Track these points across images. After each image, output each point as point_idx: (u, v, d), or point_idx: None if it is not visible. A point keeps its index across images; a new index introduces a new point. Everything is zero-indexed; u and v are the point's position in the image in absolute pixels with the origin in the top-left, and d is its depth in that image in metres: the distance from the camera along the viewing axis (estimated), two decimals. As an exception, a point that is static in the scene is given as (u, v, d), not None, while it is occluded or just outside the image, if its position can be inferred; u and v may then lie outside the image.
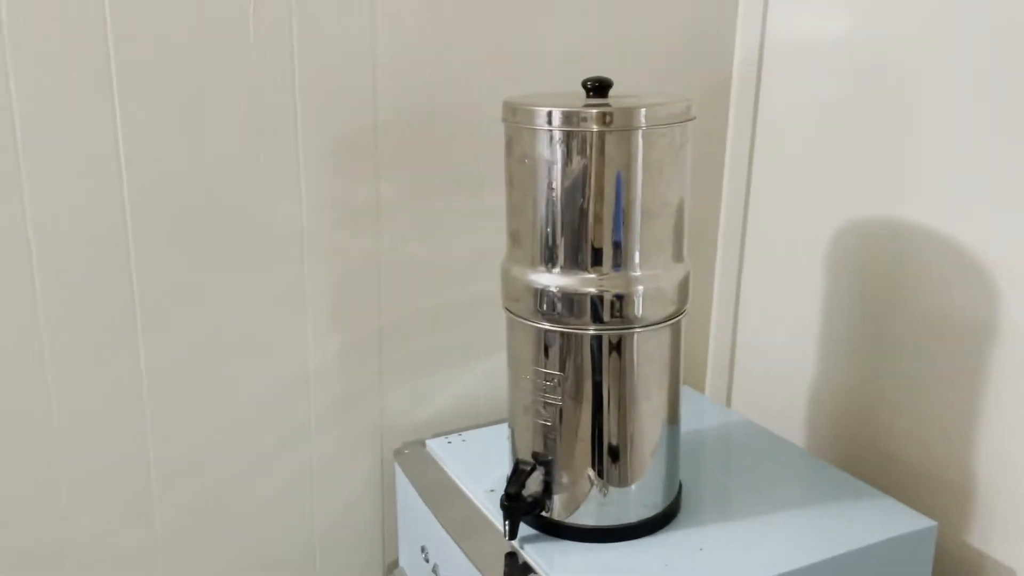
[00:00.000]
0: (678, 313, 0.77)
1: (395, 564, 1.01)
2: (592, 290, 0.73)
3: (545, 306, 0.75)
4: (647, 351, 0.76)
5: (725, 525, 0.81)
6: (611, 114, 0.70)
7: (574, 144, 0.71)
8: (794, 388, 1.07)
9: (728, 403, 1.18)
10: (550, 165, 0.72)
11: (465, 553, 0.78)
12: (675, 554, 0.76)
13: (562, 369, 0.76)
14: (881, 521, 0.80)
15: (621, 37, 1.01)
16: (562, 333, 0.75)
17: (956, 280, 0.87)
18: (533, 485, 0.78)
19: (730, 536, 0.79)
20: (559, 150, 0.72)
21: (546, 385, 0.76)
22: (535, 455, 0.78)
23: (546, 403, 0.77)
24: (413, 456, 0.96)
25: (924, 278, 0.90)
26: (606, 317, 0.74)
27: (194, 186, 0.86)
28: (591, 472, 0.77)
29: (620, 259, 0.73)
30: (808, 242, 1.02)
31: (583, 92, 0.75)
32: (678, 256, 0.77)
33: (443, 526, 0.83)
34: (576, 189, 0.72)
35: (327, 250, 0.92)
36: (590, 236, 0.73)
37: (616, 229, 0.73)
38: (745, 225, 1.12)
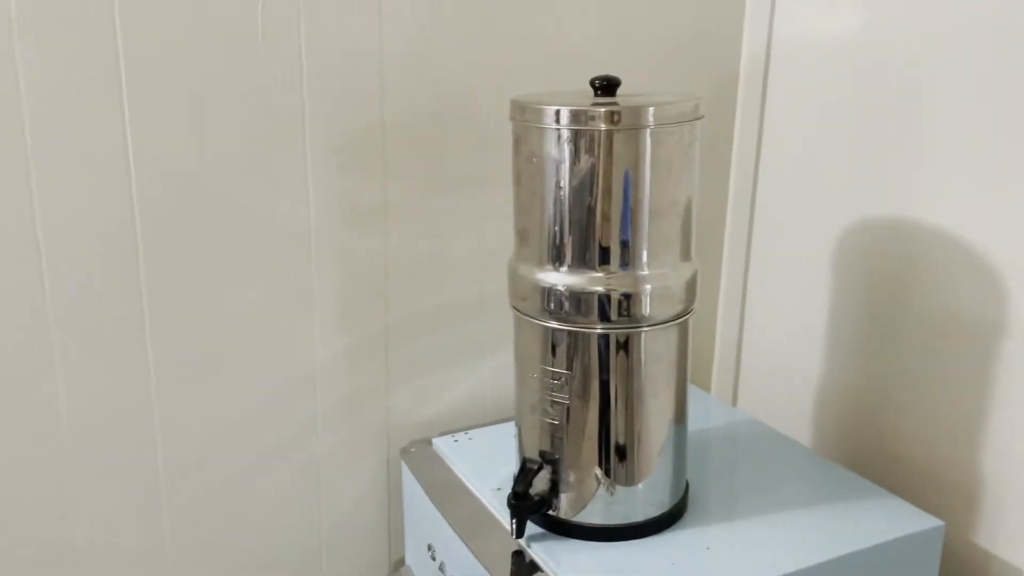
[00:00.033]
0: (686, 312, 0.77)
1: (401, 562, 1.01)
2: (600, 289, 0.73)
3: (552, 305, 0.75)
4: (655, 350, 0.76)
5: (732, 524, 0.80)
6: (619, 113, 0.70)
7: (582, 143, 0.71)
8: (800, 387, 1.07)
9: (734, 402, 1.18)
10: (558, 164, 0.72)
11: (472, 551, 0.78)
12: (682, 553, 0.76)
13: (569, 368, 0.76)
14: (888, 521, 0.80)
15: (627, 36, 1.01)
16: (569, 332, 0.75)
17: (963, 279, 0.87)
18: (540, 484, 0.78)
19: (737, 535, 0.79)
20: (567, 149, 0.72)
21: (553, 384, 0.76)
22: (542, 454, 0.79)
23: (553, 402, 0.77)
24: (419, 455, 0.96)
25: (931, 278, 0.90)
26: (613, 316, 0.74)
27: (201, 185, 0.86)
28: (598, 471, 0.77)
29: (628, 258, 0.73)
30: (814, 241, 1.02)
31: (591, 91, 0.75)
32: (686, 255, 0.77)
33: (450, 524, 0.83)
34: (584, 188, 0.72)
35: (334, 249, 0.93)
36: (598, 235, 0.73)
37: (624, 228, 0.73)
38: (751, 224, 1.11)
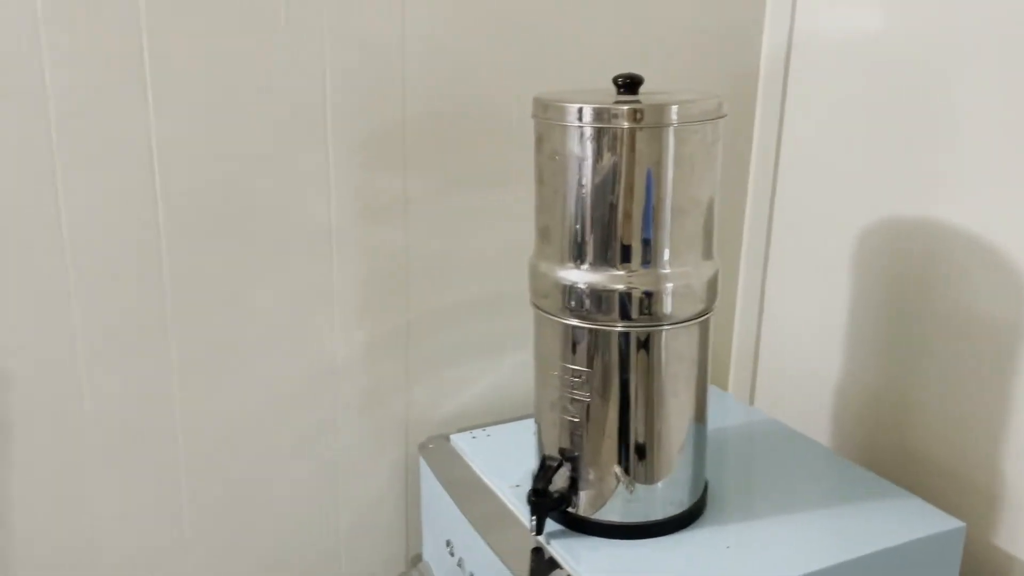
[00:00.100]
0: (707, 311, 0.77)
1: (419, 558, 1.02)
2: (621, 287, 0.73)
3: (573, 303, 0.75)
4: (676, 349, 0.76)
5: (751, 524, 0.80)
6: (642, 111, 0.70)
7: (605, 141, 0.71)
8: (819, 387, 1.06)
9: (751, 401, 1.18)
10: (580, 161, 0.72)
11: (492, 548, 0.79)
12: (701, 552, 0.76)
13: (590, 366, 0.76)
14: (908, 522, 0.80)
15: (646, 33, 1.01)
16: (590, 330, 0.75)
17: (983, 279, 0.86)
18: (559, 481, 0.78)
19: (756, 535, 0.79)
20: (590, 147, 0.72)
21: (574, 381, 0.76)
22: (562, 451, 0.79)
23: (573, 399, 0.77)
24: (438, 451, 0.96)
25: (952, 277, 0.89)
26: (635, 314, 0.74)
27: (224, 181, 0.86)
28: (618, 469, 0.77)
29: (649, 256, 0.73)
30: (834, 240, 1.02)
31: (613, 88, 0.75)
32: (708, 254, 0.76)
33: (469, 520, 0.83)
34: (606, 185, 0.72)
35: (355, 245, 0.93)
36: (620, 233, 0.73)
37: (646, 226, 0.72)
38: (771, 223, 1.11)
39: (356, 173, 0.91)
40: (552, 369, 0.78)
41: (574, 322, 0.75)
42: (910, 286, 0.94)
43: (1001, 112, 0.83)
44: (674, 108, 0.71)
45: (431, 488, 0.93)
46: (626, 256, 0.73)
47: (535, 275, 0.78)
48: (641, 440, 0.77)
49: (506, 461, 0.91)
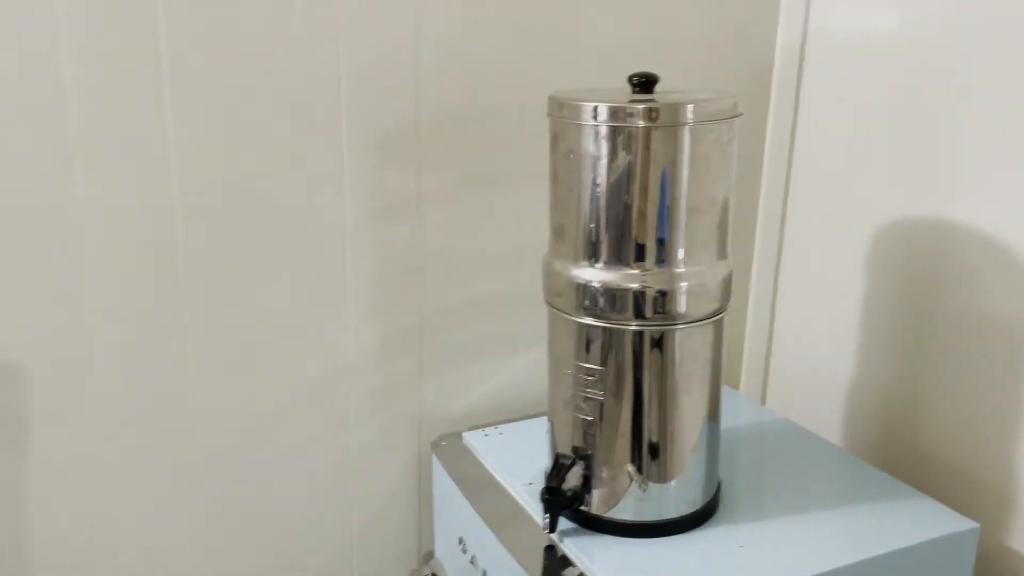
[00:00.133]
0: (721, 310, 0.77)
1: (431, 555, 1.02)
2: (635, 286, 0.73)
3: (588, 301, 0.75)
4: (690, 348, 0.76)
5: (764, 523, 0.80)
6: (658, 110, 0.70)
7: (620, 140, 0.71)
8: (831, 387, 1.06)
9: (763, 401, 1.18)
10: (595, 160, 0.72)
11: (505, 545, 0.79)
12: (714, 551, 0.76)
13: (604, 364, 0.76)
14: (922, 522, 0.80)
15: (659, 32, 1.00)
16: (604, 328, 0.75)
17: (997, 279, 0.86)
18: (572, 479, 0.78)
19: (769, 534, 0.79)
20: (605, 145, 0.72)
21: (587, 380, 0.77)
22: (575, 449, 0.79)
23: (587, 398, 0.77)
24: (450, 448, 0.96)
25: (965, 277, 0.89)
26: (649, 313, 0.74)
27: (239, 180, 0.86)
28: (631, 467, 0.77)
29: (664, 255, 0.73)
30: (848, 240, 1.02)
31: (628, 87, 0.75)
32: (722, 253, 0.76)
33: (482, 518, 0.83)
34: (621, 184, 0.72)
35: (369, 242, 0.93)
36: (634, 231, 0.73)
37: (661, 225, 0.72)
38: (784, 222, 1.11)
39: (370, 172, 0.91)
40: (566, 368, 0.78)
41: (588, 321, 0.76)
42: (923, 286, 0.94)
43: (1016, 112, 0.83)
44: (689, 107, 0.71)
45: (444, 485, 0.93)
46: (641, 255, 0.73)
47: (549, 274, 0.79)
48: (654, 439, 0.77)
49: (518, 459, 0.91)
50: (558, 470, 0.78)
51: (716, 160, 0.73)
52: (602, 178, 0.72)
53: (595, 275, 0.74)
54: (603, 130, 0.71)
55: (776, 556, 0.76)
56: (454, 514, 0.91)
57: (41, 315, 0.83)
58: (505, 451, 0.94)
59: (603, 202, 0.73)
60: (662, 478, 0.78)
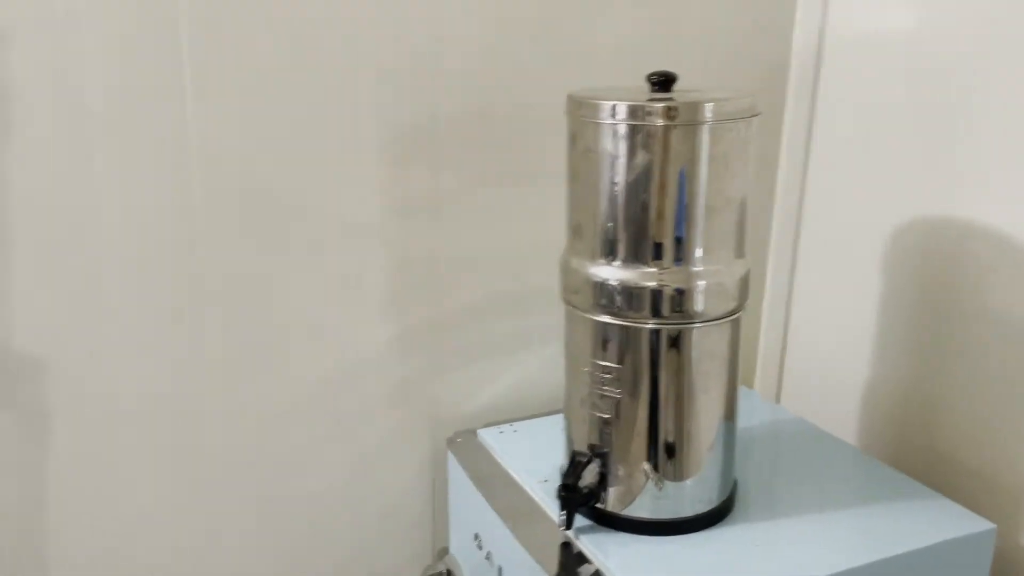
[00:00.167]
0: (738, 309, 0.77)
1: (445, 551, 1.02)
2: (653, 284, 0.74)
3: (605, 299, 0.75)
4: (707, 347, 0.76)
5: (780, 522, 0.80)
6: (677, 108, 0.70)
7: (639, 138, 0.71)
8: (847, 386, 1.06)
9: (777, 400, 1.18)
10: (614, 159, 0.72)
11: (520, 542, 0.79)
12: (730, 549, 0.76)
13: (621, 362, 0.76)
14: (938, 523, 0.80)
15: (674, 31, 1.00)
16: (621, 326, 0.75)
17: (1015, 280, 0.86)
18: (588, 476, 0.79)
19: (785, 533, 0.79)
20: (624, 144, 0.72)
21: (604, 378, 0.77)
22: (591, 447, 0.79)
23: (603, 396, 0.77)
24: (466, 445, 0.97)
25: (982, 278, 0.89)
26: (666, 311, 0.74)
27: (259, 177, 0.87)
28: (647, 466, 0.77)
29: (682, 253, 0.73)
30: (864, 240, 1.01)
31: (646, 86, 0.75)
32: (740, 252, 0.76)
33: (498, 515, 0.84)
34: (640, 183, 0.72)
35: (386, 239, 0.93)
36: (652, 230, 0.73)
37: (679, 224, 0.73)
38: (799, 221, 1.11)
39: (389, 170, 0.92)
40: (582, 365, 0.78)
41: (605, 319, 0.76)
42: (940, 286, 0.93)
43: (1037, 112, 0.83)
44: (709, 106, 0.71)
45: (459, 482, 0.94)
46: (658, 253, 0.73)
47: (567, 271, 0.79)
48: (671, 437, 0.77)
49: (533, 456, 0.91)
50: (575, 467, 0.78)
51: (734, 159, 0.73)
52: (620, 176, 0.72)
53: (613, 273, 0.75)
54: (622, 128, 0.71)
55: (792, 555, 0.76)
56: (469, 510, 0.92)
57: (63, 311, 0.83)
58: (520, 448, 0.94)
59: (621, 200, 0.73)
60: (678, 476, 0.78)
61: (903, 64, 0.95)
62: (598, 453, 0.79)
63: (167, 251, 0.85)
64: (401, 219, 0.94)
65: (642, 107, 0.71)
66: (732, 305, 0.76)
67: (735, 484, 0.84)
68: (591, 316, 0.76)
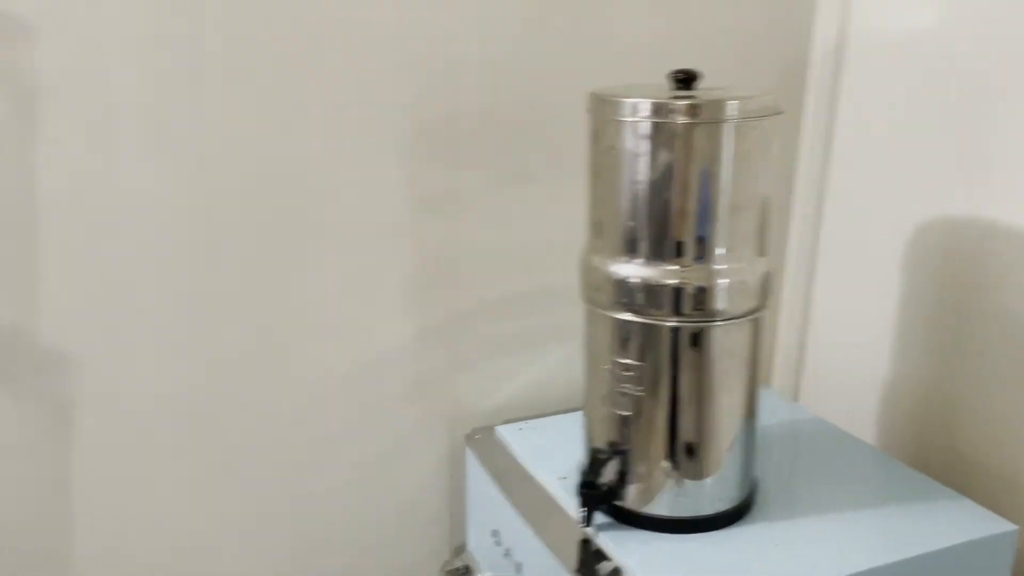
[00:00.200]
0: (760, 308, 0.77)
1: (462, 547, 1.03)
2: (674, 282, 0.73)
3: (626, 297, 0.75)
4: (727, 345, 0.76)
5: (799, 521, 0.80)
6: (700, 106, 0.70)
7: (662, 136, 0.71)
8: (866, 385, 1.06)
9: (794, 399, 1.18)
10: (637, 156, 0.72)
11: (541, 539, 0.79)
12: (750, 548, 0.76)
13: (641, 360, 0.76)
14: (958, 523, 0.79)
15: (690, 28, 1.00)
16: (642, 324, 0.75)
17: (1039, 281, 0.85)
18: (608, 474, 0.79)
19: (804, 532, 0.78)
20: (646, 142, 0.72)
21: (624, 376, 0.77)
22: (611, 444, 0.79)
23: (624, 393, 0.77)
24: (484, 442, 0.97)
25: (1004, 278, 0.88)
26: (687, 309, 0.74)
27: (278, 173, 0.87)
28: (668, 464, 0.77)
29: (703, 252, 0.73)
30: (885, 238, 1.01)
31: (667, 84, 0.75)
32: (762, 251, 0.76)
33: (518, 512, 0.84)
34: (662, 180, 0.72)
35: (406, 237, 0.94)
36: (674, 228, 0.73)
37: (701, 221, 0.72)
38: (819, 220, 1.10)
39: (408, 165, 0.92)
40: (603, 363, 0.78)
41: (626, 316, 0.76)
42: (960, 286, 0.93)
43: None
44: (732, 103, 0.71)
45: (478, 479, 0.94)
46: (680, 251, 0.73)
47: (587, 269, 0.79)
48: (691, 435, 0.77)
49: (552, 453, 0.91)
50: (595, 465, 0.78)
51: (757, 157, 0.73)
52: (643, 174, 0.72)
53: (634, 271, 0.75)
54: (645, 126, 0.71)
55: (811, 555, 0.75)
56: (488, 507, 0.92)
57: (87, 304, 0.84)
58: (538, 445, 0.94)
59: (643, 198, 0.73)
60: (698, 475, 0.78)
61: (927, 62, 0.95)
62: (618, 450, 0.79)
63: (190, 247, 0.86)
64: (421, 216, 0.94)
65: (666, 104, 0.71)
66: (753, 303, 0.76)
67: (755, 483, 0.84)
68: (612, 314, 0.76)
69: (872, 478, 0.89)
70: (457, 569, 0.98)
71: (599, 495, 0.78)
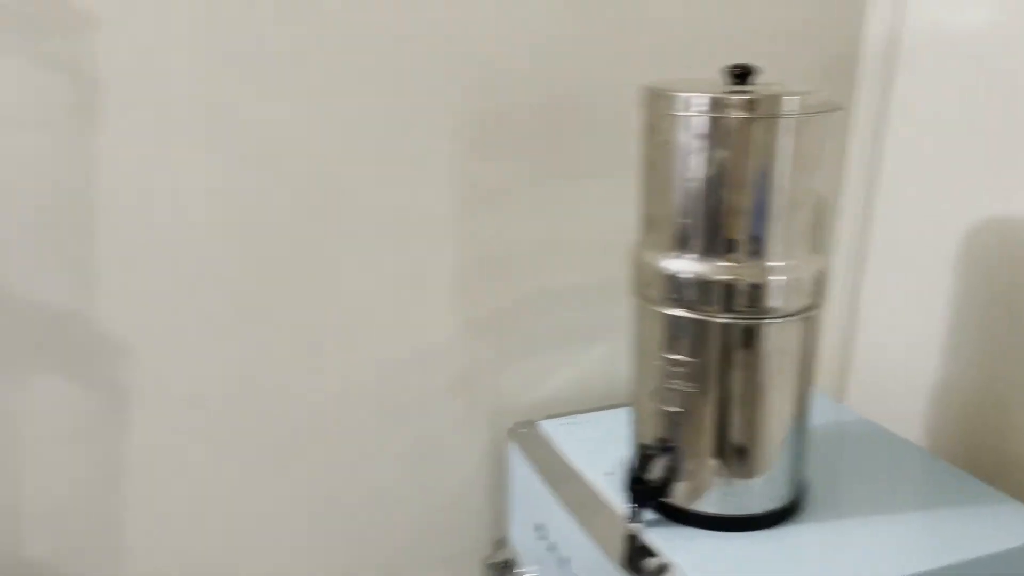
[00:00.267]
0: (814, 306, 0.76)
1: (504, 541, 1.03)
2: (727, 278, 0.73)
3: (677, 292, 0.75)
4: (780, 343, 0.75)
5: (848, 523, 0.79)
6: (757, 101, 0.70)
7: (718, 131, 0.71)
8: (916, 387, 1.04)
9: (840, 399, 1.16)
10: (691, 151, 0.72)
11: (588, 534, 0.79)
12: (798, 548, 0.76)
13: (692, 356, 0.75)
14: (1010, 527, 0.78)
15: (737, 22, 0.99)
16: (694, 320, 0.75)
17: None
18: (657, 470, 0.78)
19: (853, 534, 0.78)
20: (702, 136, 0.71)
21: (674, 372, 0.76)
22: (660, 441, 0.79)
23: (673, 390, 0.77)
24: (528, 436, 0.97)
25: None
26: (739, 306, 0.73)
27: (327, 168, 0.88)
28: (717, 461, 0.77)
29: (757, 248, 0.72)
30: (938, 239, 1.00)
31: (722, 78, 0.75)
32: (816, 248, 0.75)
33: (564, 506, 0.84)
34: (716, 176, 0.71)
35: (454, 230, 0.94)
36: (728, 223, 0.72)
37: (756, 218, 0.72)
38: (869, 218, 1.09)
39: (457, 161, 0.92)
40: (652, 359, 0.78)
41: (677, 312, 0.75)
42: (1014, 287, 0.91)
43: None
44: (790, 99, 0.70)
45: (521, 473, 0.94)
46: (734, 247, 0.72)
47: (638, 264, 0.78)
48: (741, 434, 0.76)
49: (596, 449, 0.91)
50: (644, 461, 0.78)
51: (814, 153, 0.72)
52: (698, 169, 0.72)
53: (686, 266, 0.74)
54: (701, 121, 0.71)
55: (860, 557, 0.75)
56: (532, 501, 0.92)
57: (142, 292, 0.85)
58: (582, 440, 0.94)
59: (698, 193, 0.72)
60: (747, 473, 0.77)
61: (981, 61, 0.93)
62: (667, 447, 0.78)
63: (243, 240, 0.87)
64: (470, 211, 0.94)
65: (723, 99, 0.70)
66: (807, 301, 0.75)
67: (805, 483, 0.83)
68: (663, 309, 0.76)
69: (921, 480, 0.88)
70: (498, 563, 0.98)
71: (648, 491, 0.77)
